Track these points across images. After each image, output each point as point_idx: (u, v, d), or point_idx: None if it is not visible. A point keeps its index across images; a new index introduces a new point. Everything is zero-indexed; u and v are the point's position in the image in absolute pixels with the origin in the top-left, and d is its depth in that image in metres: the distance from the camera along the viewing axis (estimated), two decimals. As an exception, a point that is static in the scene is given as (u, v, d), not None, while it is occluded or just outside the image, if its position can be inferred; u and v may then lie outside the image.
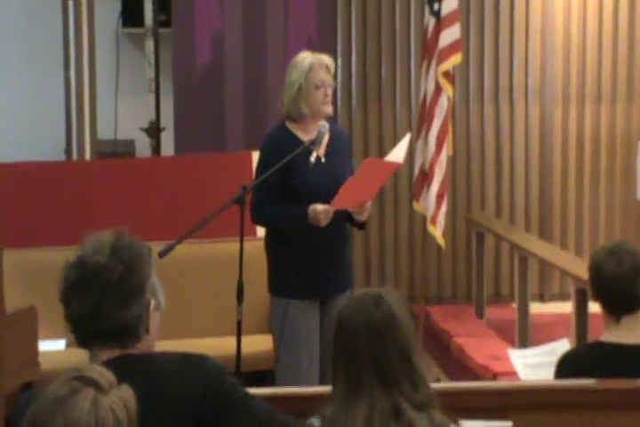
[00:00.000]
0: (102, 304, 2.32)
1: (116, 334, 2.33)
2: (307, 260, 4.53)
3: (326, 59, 4.66)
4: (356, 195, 4.46)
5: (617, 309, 3.31)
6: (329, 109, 4.63)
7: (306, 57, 4.64)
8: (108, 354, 2.33)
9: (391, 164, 4.66)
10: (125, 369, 2.15)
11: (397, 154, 4.58)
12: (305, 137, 4.56)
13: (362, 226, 4.70)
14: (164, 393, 2.32)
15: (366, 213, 4.57)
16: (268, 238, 4.72)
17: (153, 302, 2.39)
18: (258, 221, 4.72)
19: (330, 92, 4.61)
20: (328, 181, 4.47)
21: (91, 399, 1.89)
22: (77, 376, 1.93)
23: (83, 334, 2.36)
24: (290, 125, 4.63)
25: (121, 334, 2.34)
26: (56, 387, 1.92)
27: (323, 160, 4.59)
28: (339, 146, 4.68)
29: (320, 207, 4.42)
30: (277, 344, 4.64)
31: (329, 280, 4.55)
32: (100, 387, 1.92)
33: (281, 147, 4.52)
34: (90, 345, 2.36)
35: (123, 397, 1.94)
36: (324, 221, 4.43)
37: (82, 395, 1.90)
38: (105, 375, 1.95)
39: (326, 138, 4.62)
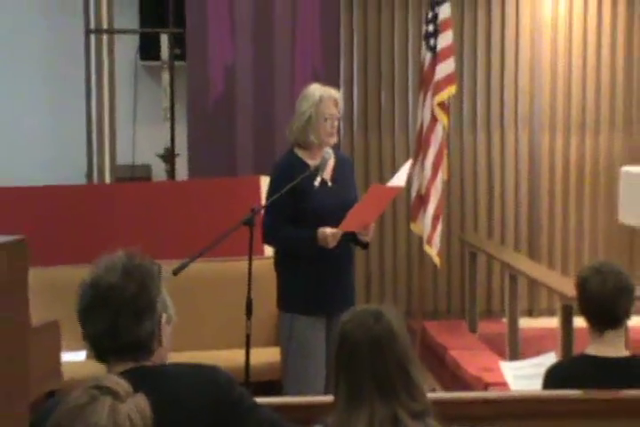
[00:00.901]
0: (118, 322, 2.31)
1: (131, 349, 2.33)
2: (314, 278, 4.52)
3: (335, 93, 4.66)
4: (361, 218, 4.47)
5: (600, 324, 3.31)
6: (334, 140, 4.63)
7: (316, 89, 4.64)
8: (122, 366, 2.33)
9: (394, 188, 4.68)
10: (139, 379, 2.14)
11: (399, 178, 4.60)
12: (312, 162, 4.56)
13: (366, 246, 4.70)
14: (176, 402, 2.32)
15: (371, 234, 4.58)
16: (278, 256, 4.71)
17: (164, 317, 2.39)
18: (269, 242, 4.72)
19: (336, 124, 4.61)
20: (335, 204, 4.47)
21: (109, 407, 1.89)
22: (96, 386, 1.93)
23: (100, 350, 2.36)
24: (298, 152, 4.64)
25: (136, 348, 2.33)
26: (77, 395, 1.92)
27: (329, 184, 4.60)
28: (344, 171, 4.69)
29: (329, 230, 4.42)
30: (285, 356, 4.62)
31: (335, 297, 4.53)
32: (117, 396, 1.91)
33: (290, 172, 4.52)
34: (106, 359, 2.36)
35: (139, 405, 1.94)
36: (332, 244, 4.43)
37: (100, 403, 1.89)
38: (122, 385, 1.95)
39: (332, 164, 4.63)
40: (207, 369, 2.43)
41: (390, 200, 4.90)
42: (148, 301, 2.34)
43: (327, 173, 4.60)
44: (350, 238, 4.58)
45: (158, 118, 7.56)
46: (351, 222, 4.43)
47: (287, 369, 4.60)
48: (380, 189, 4.69)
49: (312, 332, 4.52)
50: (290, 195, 4.45)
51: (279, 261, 4.69)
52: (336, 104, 4.62)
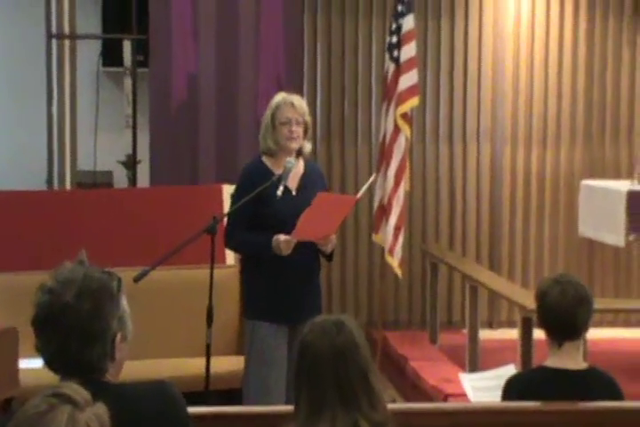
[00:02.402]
0: (68, 346, 2.27)
1: (81, 371, 2.29)
2: (277, 285, 4.53)
3: (294, 98, 4.63)
4: (316, 227, 4.45)
5: (559, 335, 3.33)
6: (294, 145, 4.58)
7: (277, 96, 4.66)
8: (75, 381, 2.28)
9: (346, 198, 4.68)
10: (94, 392, 2.08)
11: (360, 191, 4.61)
12: (278, 170, 4.56)
13: (329, 257, 4.70)
14: (133, 414, 2.28)
15: (330, 246, 4.57)
16: (243, 263, 4.72)
17: (119, 336, 2.33)
18: (229, 246, 4.74)
19: (296, 129, 4.55)
20: (297, 213, 4.44)
21: (68, 415, 1.87)
22: (55, 393, 1.91)
23: (51, 367, 2.32)
24: (265, 160, 4.64)
25: (86, 370, 2.29)
26: (35, 403, 1.89)
27: (294, 193, 4.60)
28: (312, 180, 4.67)
29: (282, 237, 4.43)
30: (246, 364, 4.61)
31: (298, 306, 4.52)
32: (76, 404, 1.89)
33: (254, 179, 4.53)
34: (59, 373, 2.33)
35: (98, 413, 1.92)
36: (285, 251, 4.43)
37: (59, 411, 1.87)
38: (81, 393, 1.93)
39: (300, 172, 4.63)
40: (162, 385, 2.40)
41: (347, 212, 4.85)
42: (101, 324, 2.29)
43: (293, 182, 4.60)
44: (316, 248, 4.58)
45: (120, 125, 7.53)
46: (304, 231, 4.42)
47: (248, 376, 4.58)
48: (328, 198, 4.65)
49: (274, 340, 4.51)
50: (253, 202, 4.45)
51: (244, 267, 4.70)
52: (294, 109, 4.57)
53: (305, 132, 4.61)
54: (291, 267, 4.50)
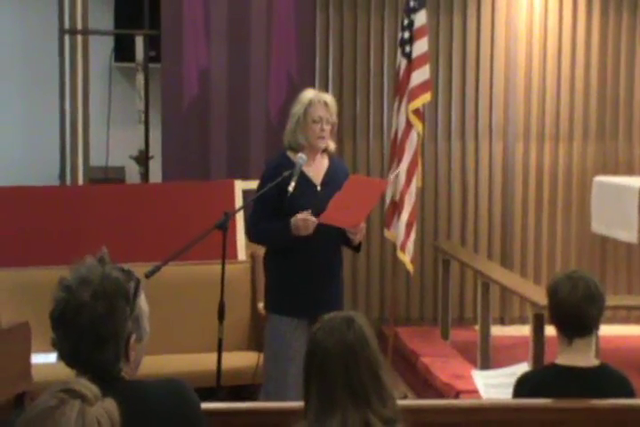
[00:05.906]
0: (79, 347, 2.27)
1: (93, 371, 2.29)
2: (299, 279, 4.52)
3: (326, 97, 4.66)
4: (345, 212, 4.43)
5: (569, 332, 3.31)
6: (323, 144, 4.61)
7: (308, 93, 4.67)
8: (88, 377, 2.28)
9: (377, 181, 4.66)
10: (107, 389, 2.07)
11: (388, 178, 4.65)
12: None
13: (357, 248, 4.69)
14: (144, 412, 2.28)
15: (359, 235, 4.57)
16: (266, 256, 4.71)
17: (133, 337, 2.32)
18: (253, 238, 4.73)
19: (327, 127, 4.59)
20: (321, 208, 4.44)
21: (77, 410, 1.87)
22: (65, 389, 1.91)
23: (66, 362, 2.33)
24: (290, 154, 4.64)
25: (98, 370, 2.29)
26: (45, 399, 1.90)
27: (318, 189, 4.61)
28: (337, 176, 4.66)
29: (299, 215, 4.42)
30: (265, 359, 4.61)
31: (320, 301, 4.49)
32: (86, 399, 1.90)
33: (278, 173, 4.52)
34: (74, 369, 2.33)
35: (107, 408, 1.92)
36: (304, 230, 4.42)
37: (69, 406, 1.87)
38: (90, 388, 1.93)
39: (324, 168, 4.64)
40: (177, 383, 2.40)
41: (377, 198, 4.83)
42: (114, 327, 2.28)
43: (317, 178, 4.62)
44: (341, 240, 4.56)
45: (132, 120, 7.53)
46: (333, 215, 4.41)
47: (266, 371, 4.59)
48: (360, 181, 4.67)
49: (293, 335, 4.51)
50: (274, 197, 4.46)
51: (266, 259, 4.70)
52: (327, 107, 4.61)
53: (331, 131, 4.64)
54: (312, 261, 4.50)
